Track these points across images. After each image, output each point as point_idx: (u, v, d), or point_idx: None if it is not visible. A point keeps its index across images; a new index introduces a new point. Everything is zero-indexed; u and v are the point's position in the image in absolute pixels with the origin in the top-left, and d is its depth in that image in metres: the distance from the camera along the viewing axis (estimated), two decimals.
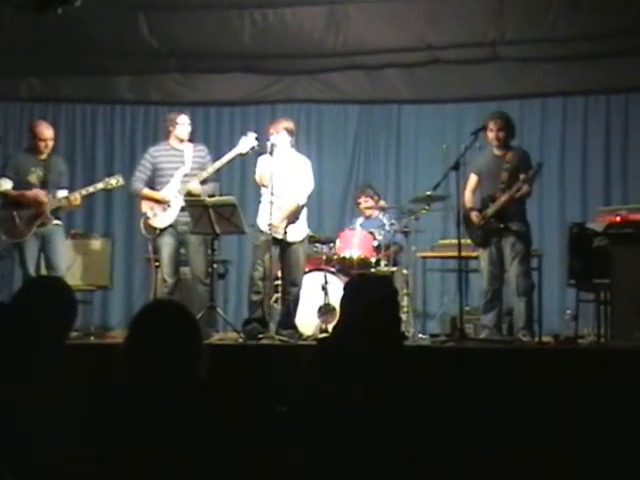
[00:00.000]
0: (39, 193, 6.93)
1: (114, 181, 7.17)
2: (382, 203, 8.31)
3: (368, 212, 8.31)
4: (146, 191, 7.07)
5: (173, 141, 7.13)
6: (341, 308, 3.07)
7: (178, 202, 6.92)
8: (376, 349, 2.89)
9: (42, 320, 2.85)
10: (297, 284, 6.92)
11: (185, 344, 2.60)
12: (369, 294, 3.01)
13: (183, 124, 7.12)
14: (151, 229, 7.04)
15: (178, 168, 7.03)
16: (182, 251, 7.10)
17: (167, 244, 6.98)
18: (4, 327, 2.72)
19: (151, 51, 9.30)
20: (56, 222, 7.05)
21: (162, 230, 6.98)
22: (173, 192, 6.97)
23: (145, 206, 7.07)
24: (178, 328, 2.60)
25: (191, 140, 7.23)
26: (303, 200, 6.92)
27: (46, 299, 2.95)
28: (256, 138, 6.94)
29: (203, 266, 7.00)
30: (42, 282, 3.22)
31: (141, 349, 2.57)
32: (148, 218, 7.03)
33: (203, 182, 6.96)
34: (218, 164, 6.97)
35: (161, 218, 6.98)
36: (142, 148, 9.69)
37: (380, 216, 8.09)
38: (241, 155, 6.97)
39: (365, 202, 8.35)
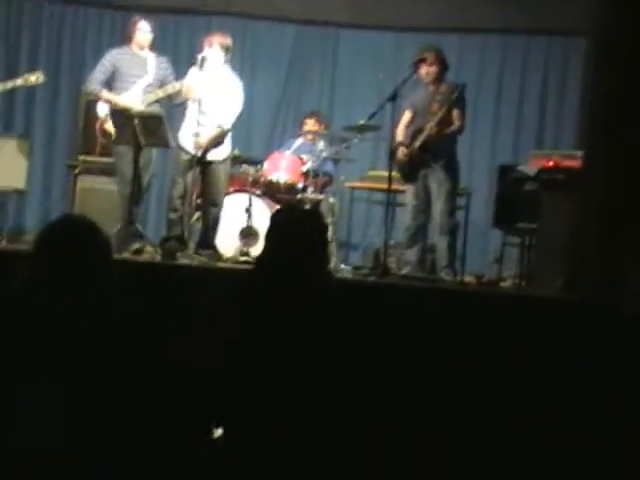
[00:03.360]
0: None
1: (34, 77, 6.87)
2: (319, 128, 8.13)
3: (309, 137, 8.09)
4: (106, 94, 6.77)
5: (135, 47, 6.85)
6: (267, 240, 2.93)
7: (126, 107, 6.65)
8: (303, 286, 2.78)
9: None
10: (217, 204, 6.78)
11: (92, 262, 2.47)
12: (298, 229, 2.87)
13: (142, 30, 6.85)
14: (108, 134, 6.75)
15: (141, 76, 6.78)
16: None
17: (127, 149, 6.66)
18: None
19: None
20: None
21: None
22: (135, 100, 6.68)
23: (104, 109, 6.77)
24: (86, 245, 2.47)
25: (153, 50, 6.97)
26: (228, 125, 6.72)
27: None
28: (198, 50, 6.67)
29: (146, 181, 6.82)
30: None
31: (45, 265, 2.44)
32: (105, 122, 6.74)
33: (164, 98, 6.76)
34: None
35: None
36: (69, 46, 9.38)
37: (318, 143, 7.92)
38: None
39: (312, 126, 8.14)
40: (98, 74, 6.82)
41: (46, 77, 7.01)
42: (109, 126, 6.70)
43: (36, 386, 2.37)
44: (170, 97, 6.80)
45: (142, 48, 6.87)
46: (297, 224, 2.91)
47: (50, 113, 9.31)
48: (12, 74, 7.63)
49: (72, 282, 2.45)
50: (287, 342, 2.70)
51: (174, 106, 6.95)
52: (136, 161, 6.61)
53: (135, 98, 6.73)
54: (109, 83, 6.82)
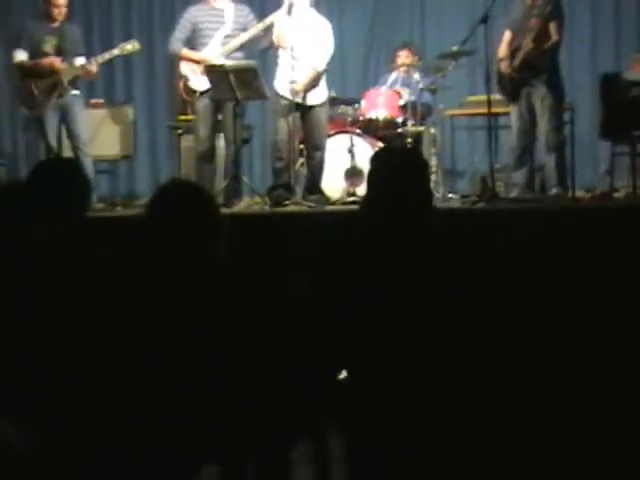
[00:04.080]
0: (54, 61, 6.76)
1: (130, 46, 6.98)
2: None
3: (403, 69, 8.02)
4: (186, 51, 6.84)
5: (211, 1, 6.87)
6: (368, 184, 2.95)
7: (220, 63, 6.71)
8: (406, 224, 2.79)
9: (54, 203, 2.80)
10: (321, 148, 6.81)
11: (200, 226, 2.53)
12: (397, 170, 2.87)
13: None
14: (190, 92, 6.87)
15: (218, 28, 6.78)
16: (219, 117, 6.90)
17: (205, 107, 6.80)
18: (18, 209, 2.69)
19: None
20: (74, 92, 6.91)
21: (202, 93, 6.80)
22: (214, 53, 6.76)
23: (185, 68, 6.87)
24: (193, 211, 2.54)
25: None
26: (322, 66, 6.71)
27: (55, 183, 2.87)
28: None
29: (235, 134, 6.87)
30: (50, 165, 3.13)
31: (157, 232, 2.52)
32: (188, 80, 6.85)
33: (245, 44, 6.78)
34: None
35: (202, 80, 6.78)
36: (160, 11, 9.50)
37: (413, 75, 7.83)
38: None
39: (406, 57, 8.06)
40: (177, 33, 6.88)
41: (141, 44, 7.11)
42: (192, 84, 6.80)
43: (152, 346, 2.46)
44: (253, 42, 6.79)
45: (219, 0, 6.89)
46: (396, 165, 2.90)
47: (148, 78, 9.47)
48: (108, 45, 7.79)
49: (183, 247, 2.52)
50: (395, 282, 2.72)
51: (261, 51, 6.96)
52: (235, 115, 6.70)
53: (214, 51, 6.76)
54: (191, 41, 6.87)
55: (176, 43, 6.88)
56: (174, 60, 7.94)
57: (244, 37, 6.74)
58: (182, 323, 2.47)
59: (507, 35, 6.64)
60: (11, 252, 2.65)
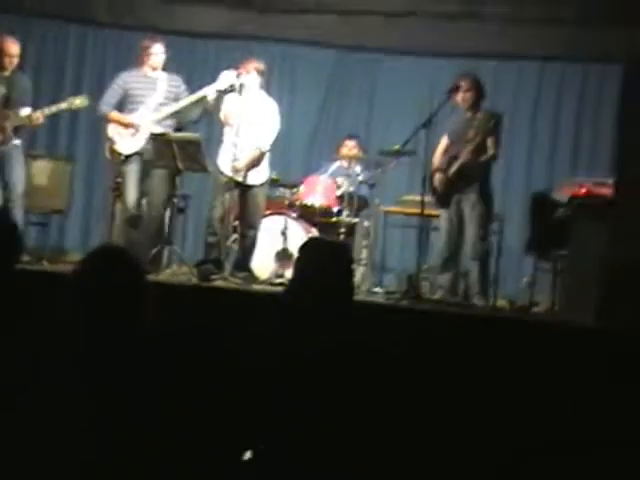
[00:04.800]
0: None
1: (78, 101, 7.04)
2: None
3: (346, 160, 8.11)
4: (114, 114, 6.93)
5: (146, 69, 6.99)
6: (294, 271, 3.01)
7: (147, 130, 6.79)
8: (325, 314, 2.85)
9: None
10: (255, 227, 6.90)
11: (127, 293, 2.55)
12: (323, 261, 2.94)
13: (157, 53, 6.98)
14: (116, 155, 6.90)
15: (149, 96, 6.90)
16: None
17: (132, 172, 6.86)
18: None
19: None
20: (16, 142, 6.91)
21: (128, 157, 6.85)
22: (144, 119, 6.83)
23: (112, 130, 6.92)
24: (121, 277, 2.56)
25: (165, 69, 7.10)
26: (266, 147, 6.85)
27: None
28: (237, 75, 6.77)
29: (162, 200, 6.90)
30: None
31: (85, 296, 2.54)
32: (114, 143, 6.89)
33: (176, 114, 6.86)
34: (194, 97, 6.83)
35: (128, 144, 6.86)
36: (113, 73, 9.48)
37: (355, 167, 7.96)
38: (218, 92, 6.79)
39: (352, 148, 8.17)
40: (107, 97, 7.01)
41: (90, 101, 7.17)
42: (118, 146, 6.86)
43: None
44: (184, 112, 6.92)
45: (155, 69, 7.01)
46: (322, 259, 2.97)
47: (93, 135, 9.46)
48: (56, 98, 7.82)
49: (105, 311, 2.55)
50: (313, 372, 2.76)
51: (193, 122, 7.04)
52: (174, 184, 6.78)
53: (144, 117, 6.87)
54: (121, 105, 6.98)
55: (104, 106, 7.00)
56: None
57: (175, 106, 6.86)
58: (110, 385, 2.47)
59: (443, 142, 6.85)
60: None
